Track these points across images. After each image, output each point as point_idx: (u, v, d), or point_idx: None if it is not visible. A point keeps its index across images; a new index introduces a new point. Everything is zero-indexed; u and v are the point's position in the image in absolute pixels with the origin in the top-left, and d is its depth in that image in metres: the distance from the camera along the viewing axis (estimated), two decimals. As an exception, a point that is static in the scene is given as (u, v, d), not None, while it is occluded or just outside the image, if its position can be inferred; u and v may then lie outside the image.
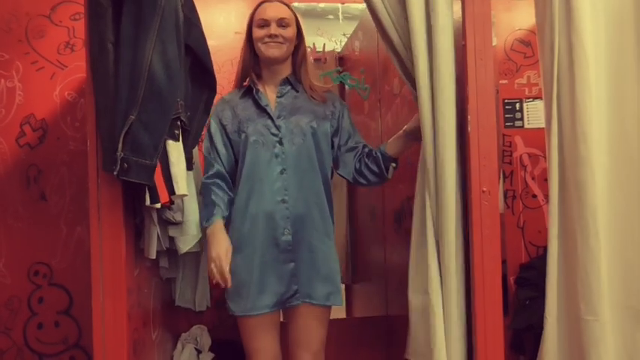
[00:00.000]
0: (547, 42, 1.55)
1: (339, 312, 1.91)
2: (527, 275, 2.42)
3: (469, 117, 1.45)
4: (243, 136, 1.80)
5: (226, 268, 1.68)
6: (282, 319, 1.89)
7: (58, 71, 2.39)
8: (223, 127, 1.83)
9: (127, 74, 1.30)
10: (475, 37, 1.49)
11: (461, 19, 1.52)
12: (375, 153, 1.84)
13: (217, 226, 1.74)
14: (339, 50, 2.72)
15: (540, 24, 1.59)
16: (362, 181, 1.88)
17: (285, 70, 1.86)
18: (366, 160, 1.84)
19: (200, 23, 1.70)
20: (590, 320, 1.50)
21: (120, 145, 1.29)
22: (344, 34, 2.63)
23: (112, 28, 1.34)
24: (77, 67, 2.39)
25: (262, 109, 1.81)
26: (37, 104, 2.38)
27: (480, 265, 1.42)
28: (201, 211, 1.82)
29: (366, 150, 1.87)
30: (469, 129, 1.45)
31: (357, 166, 1.86)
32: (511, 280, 2.49)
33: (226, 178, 1.82)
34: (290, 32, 1.81)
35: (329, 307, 1.84)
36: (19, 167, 2.36)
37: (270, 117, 1.80)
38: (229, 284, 1.70)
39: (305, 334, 1.81)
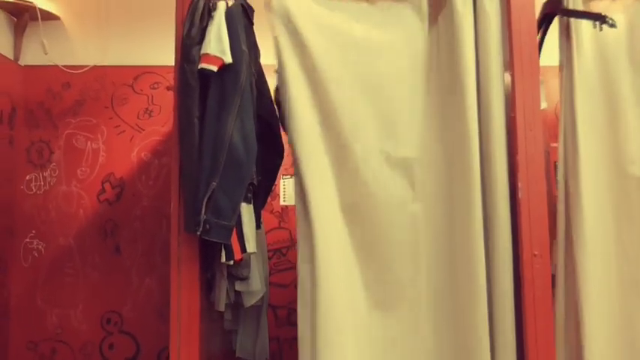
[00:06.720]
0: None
1: None
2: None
3: (519, 184, 1.54)
4: None
5: None
6: None
7: (136, 134, 2.61)
8: None
9: (210, 146, 1.47)
10: (525, 109, 1.59)
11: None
12: None
13: None
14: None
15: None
16: None
17: None
18: None
19: (270, 94, 1.84)
20: None
21: (203, 209, 1.44)
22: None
23: (198, 105, 1.52)
24: (153, 130, 2.61)
25: None
26: (117, 164, 2.59)
27: (533, 325, 1.47)
28: None
29: None
30: (520, 195, 1.53)
31: None
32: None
33: None
34: None
35: None
36: (98, 221, 2.56)
37: None
38: None
39: None
